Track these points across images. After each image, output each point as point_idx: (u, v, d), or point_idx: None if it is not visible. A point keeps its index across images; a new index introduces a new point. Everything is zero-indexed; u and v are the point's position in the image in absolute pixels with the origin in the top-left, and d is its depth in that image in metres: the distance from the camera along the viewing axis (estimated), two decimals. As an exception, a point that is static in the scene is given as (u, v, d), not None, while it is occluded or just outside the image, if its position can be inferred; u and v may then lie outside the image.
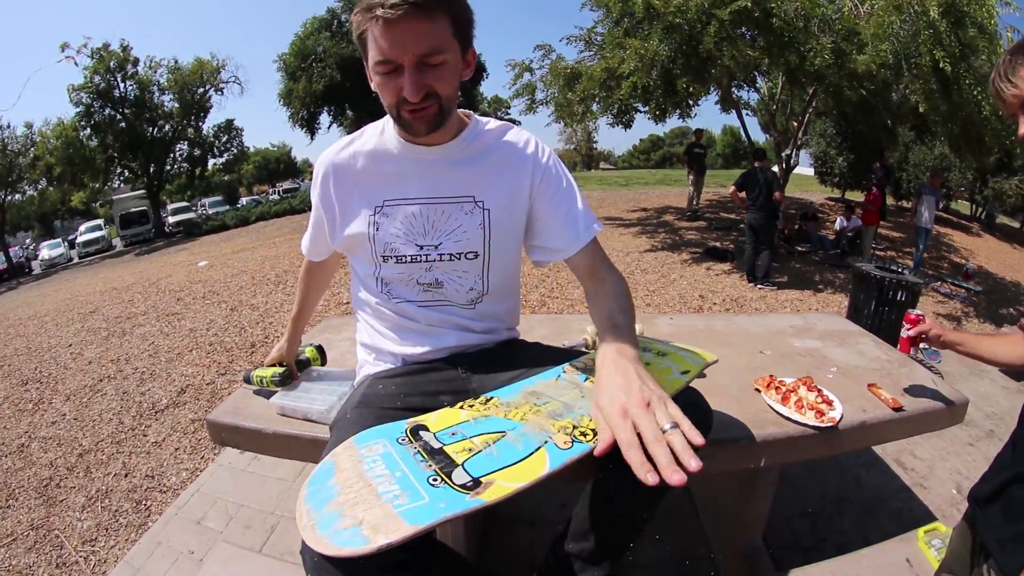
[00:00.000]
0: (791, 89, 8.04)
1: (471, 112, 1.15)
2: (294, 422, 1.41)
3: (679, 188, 15.02)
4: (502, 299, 1.25)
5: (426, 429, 0.88)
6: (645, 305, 5.53)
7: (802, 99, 8.48)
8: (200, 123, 23.45)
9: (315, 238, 1.28)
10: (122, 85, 20.89)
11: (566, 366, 1.07)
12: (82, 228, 24.89)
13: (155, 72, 21.75)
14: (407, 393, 1.09)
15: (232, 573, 1.52)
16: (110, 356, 4.93)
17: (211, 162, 25.51)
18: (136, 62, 21.21)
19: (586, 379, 1.00)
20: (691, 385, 1.04)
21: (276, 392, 1.50)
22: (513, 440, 0.82)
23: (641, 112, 8.99)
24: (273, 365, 1.57)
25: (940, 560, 1.35)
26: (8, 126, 21.29)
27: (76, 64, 20.22)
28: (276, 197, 28.35)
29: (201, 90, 22.60)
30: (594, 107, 8.27)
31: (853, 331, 2.08)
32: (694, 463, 0.68)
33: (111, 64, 20.34)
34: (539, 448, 0.80)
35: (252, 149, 32.15)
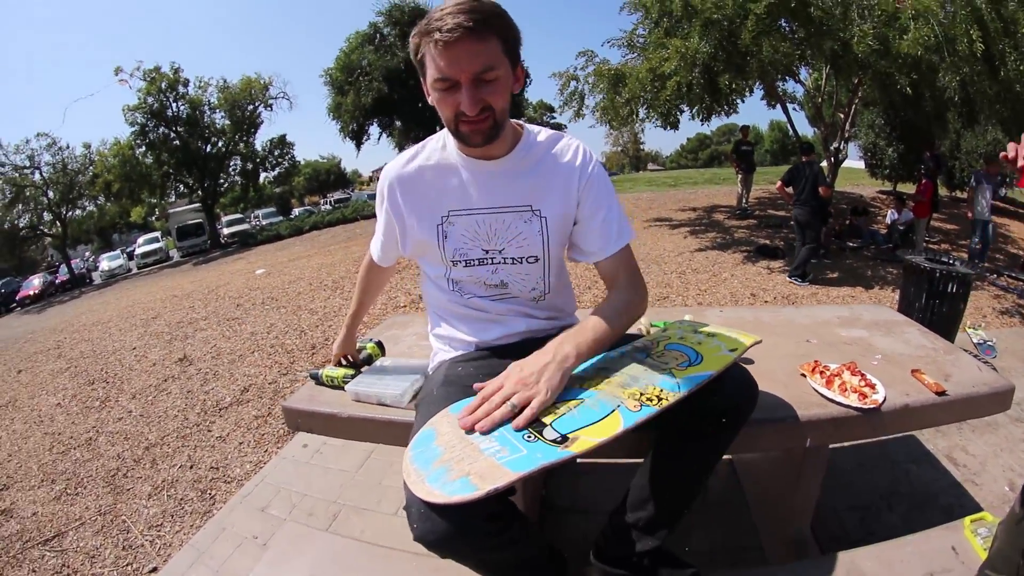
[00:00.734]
0: (836, 79, 7.86)
1: (523, 123, 1.26)
2: (368, 407, 1.52)
3: (728, 187, 14.78)
4: (561, 294, 1.39)
5: None
6: (696, 304, 5.51)
7: (848, 89, 8.27)
8: (251, 138, 24.61)
9: (385, 244, 1.39)
10: (174, 105, 22.22)
11: (626, 347, 1.20)
12: (140, 240, 26.36)
13: (205, 91, 23.04)
14: (485, 373, 1.17)
15: (298, 549, 1.65)
16: (173, 358, 5.20)
17: (263, 175, 26.60)
18: (187, 83, 22.51)
19: (647, 356, 1.13)
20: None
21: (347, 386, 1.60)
22: (591, 404, 0.95)
23: (686, 112, 8.93)
24: (342, 365, 1.70)
25: (986, 549, 1.32)
26: (68, 147, 22.79)
27: (130, 87, 21.65)
28: (328, 207, 29.17)
29: (251, 107, 23.73)
30: (640, 111, 8.27)
31: (900, 321, 2.06)
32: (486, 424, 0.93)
33: (163, 85, 21.65)
34: (613, 411, 0.93)
35: (303, 161, 33.23)
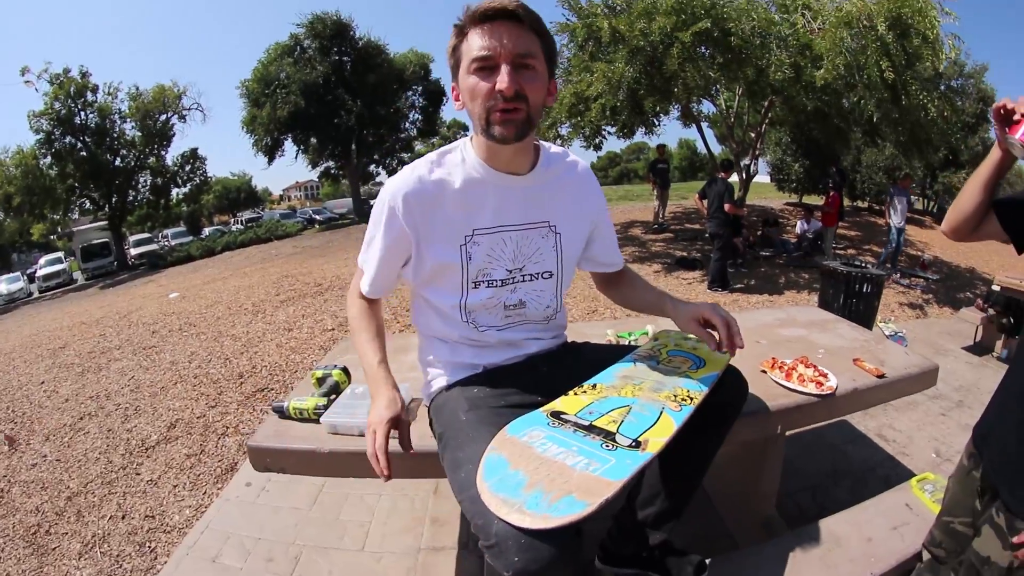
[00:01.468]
0: (749, 102, 8.44)
1: (536, 138, 1.24)
2: (350, 439, 1.40)
3: (642, 203, 15.37)
4: (563, 312, 1.39)
5: (564, 413, 1.02)
6: (625, 315, 5.67)
7: (757, 111, 8.91)
8: (163, 152, 22.87)
9: (384, 274, 1.21)
10: (83, 112, 20.31)
11: (632, 356, 1.26)
12: (42, 261, 23.66)
13: (115, 98, 21.16)
14: (505, 392, 1.17)
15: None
16: (88, 392, 4.73)
17: (174, 192, 24.88)
18: (96, 89, 20.65)
19: (658, 363, 1.21)
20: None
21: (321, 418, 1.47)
22: (639, 410, 1.01)
23: (610, 133, 9.32)
24: (313, 395, 1.55)
25: (935, 501, 1.57)
26: (-38, 154, 20.26)
27: (36, 90, 19.68)
28: (239, 227, 27.91)
29: (163, 117, 22.09)
30: (563, 131, 8.55)
31: (830, 319, 2.33)
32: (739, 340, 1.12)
33: (71, 90, 19.79)
34: (661, 412, 1.00)
35: (213, 178, 31.63)
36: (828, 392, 1.49)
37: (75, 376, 5.30)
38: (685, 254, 8.24)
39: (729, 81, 7.14)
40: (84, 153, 20.23)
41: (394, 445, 1.05)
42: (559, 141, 8.82)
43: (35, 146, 19.71)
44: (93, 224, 24.11)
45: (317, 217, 26.62)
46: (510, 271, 1.18)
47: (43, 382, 5.31)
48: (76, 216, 23.66)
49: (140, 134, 21.58)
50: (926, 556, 1.33)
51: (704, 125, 10.59)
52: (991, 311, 4.49)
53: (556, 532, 0.77)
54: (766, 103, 8.06)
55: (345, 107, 20.63)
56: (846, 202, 13.75)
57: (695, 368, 1.17)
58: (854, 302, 4.16)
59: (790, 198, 16.35)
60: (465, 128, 46.54)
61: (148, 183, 23.09)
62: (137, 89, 21.70)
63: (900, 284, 7.23)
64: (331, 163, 23.77)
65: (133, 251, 22.77)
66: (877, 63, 5.85)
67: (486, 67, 0.99)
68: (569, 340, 1.43)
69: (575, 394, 1.09)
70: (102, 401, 4.44)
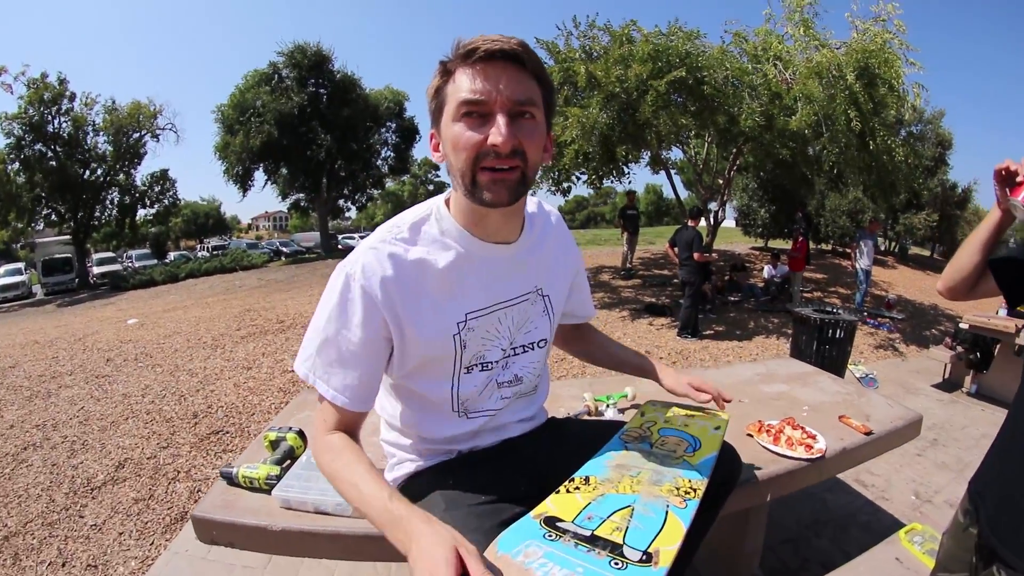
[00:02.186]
0: (720, 148, 8.68)
1: None
2: (305, 516, 1.27)
3: (609, 248, 15.55)
4: (547, 375, 1.27)
5: (559, 519, 0.89)
6: (599, 373, 5.58)
7: (725, 158, 9.16)
8: (133, 170, 22.21)
9: (368, 380, 0.95)
10: (56, 120, 19.60)
11: (622, 438, 1.16)
12: (0, 271, 22.83)
13: (90, 110, 20.50)
14: (485, 485, 1.02)
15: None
16: (34, 420, 4.45)
17: (142, 212, 24.10)
18: (72, 97, 20.02)
19: (652, 447, 1.11)
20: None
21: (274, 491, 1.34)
22: (643, 510, 0.89)
23: (581, 179, 9.44)
24: (265, 462, 1.41)
25: (925, 552, 1.56)
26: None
27: (11, 92, 18.90)
28: (205, 254, 27.29)
29: (136, 135, 21.50)
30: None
31: (810, 371, 2.31)
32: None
33: (46, 96, 19.14)
34: (666, 512, 0.89)
35: (183, 201, 30.98)
36: (818, 455, 1.45)
37: (23, 400, 4.99)
38: (654, 300, 8.23)
39: (701, 128, 7.32)
40: (54, 163, 19.47)
41: (336, 522, 0.96)
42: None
43: (4, 150, 18.88)
44: (57, 237, 23.00)
45: (284, 249, 26.18)
46: (504, 349, 1.05)
47: (-13, 403, 4.98)
48: (41, 227, 22.68)
49: (111, 149, 20.95)
50: None
51: (672, 171, 10.84)
52: (959, 348, 4.64)
53: None
54: (735, 150, 8.28)
55: (318, 140, 20.47)
56: (811, 245, 14.24)
57: (691, 451, 1.10)
58: (827, 348, 4.18)
59: (756, 243, 16.74)
60: (436, 167, 47.38)
61: (116, 200, 22.33)
62: (113, 103, 21.12)
63: (868, 325, 7.39)
64: (301, 195, 23.45)
65: (96, 269, 22.06)
66: (845, 112, 6.07)
67: (477, 113, 0.83)
68: (549, 414, 1.31)
69: (567, 491, 0.97)
70: (48, 431, 4.18)
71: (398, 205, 46.59)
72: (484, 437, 1.11)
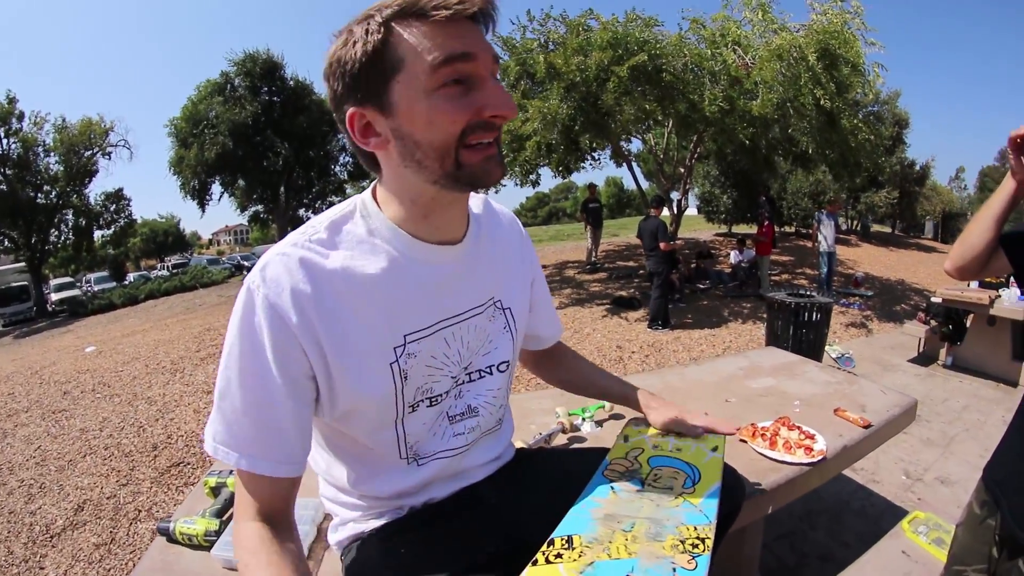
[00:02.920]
0: (683, 135, 8.69)
1: None
2: None
3: (573, 243, 15.53)
4: (509, 406, 1.08)
5: None
6: None
7: (685, 146, 9.18)
8: (85, 189, 21.29)
9: (298, 432, 0.73)
10: (6, 141, 18.66)
11: (606, 475, 0.96)
12: None
13: (40, 129, 19.58)
14: (445, 549, 0.84)
15: None
16: None
17: (98, 233, 23.25)
18: (22, 116, 19.12)
19: (643, 485, 0.93)
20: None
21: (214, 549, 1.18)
22: None
23: (546, 168, 9.38)
24: (203, 514, 1.25)
25: (931, 542, 1.52)
26: None
27: None
28: (165, 272, 26.49)
29: (88, 153, 20.59)
30: None
31: (795, 361, 2.22)
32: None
33: None
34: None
35: (140, 220, 30.00)
36: (819, 458, 1.33)
37: (-23, 443, 4.70)
38: (623, 293, 8.18)
39: (664, 113, 7.29)
40: (4, 187, 18.52)
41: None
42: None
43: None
44: (12, 265, 22.01)
45: (245, 264, 25.34)
46: (455, 376, 0.85)
47: (-59, 450, 4.68)
48: (-6, 255, 21.75)
49: (63, 169, 20.01)
50: None
51: (633, 163, 10.88)
52: (933, 322, 4.69)
53: None
54: (695, 137, 8.29)
55: (274, 149, 20.01)
56: (776, 228, 14.49)
57: (691, 485, 0.90)
58: (804, 332, 4.15)
59: (720, 229, 16.94)
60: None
61: (71, 223, 21.43)
62: (64, 121, 20.20)
63: (839, 305, 7.47)
64: (260, 207, 22.80)
65: (54, 296, 21.16)
66: (812, 92, 6.10)
67: (462, 79, 0.66)
68: (518, 432, 1.15)
69: (547, 559, 0.76)
70: (5, 476, 3.96)
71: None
72: (439, 487, 0.91)
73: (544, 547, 0.77)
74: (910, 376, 4.40)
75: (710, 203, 16.38)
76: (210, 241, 74.03)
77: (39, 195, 19.79)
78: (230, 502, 1.27)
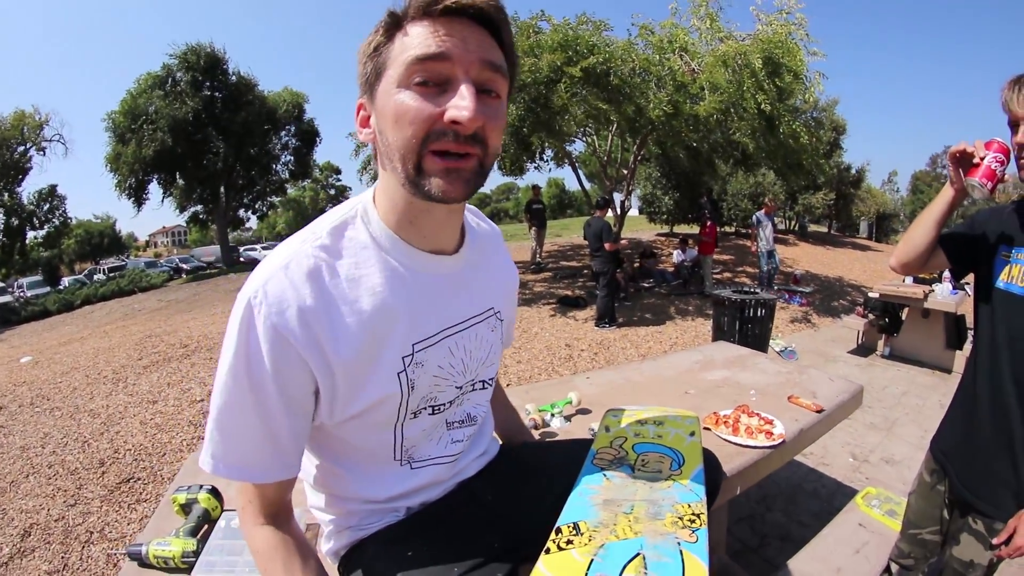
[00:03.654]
0: (629, 137, 8.88)
1: None
2: None
3: (516, 243, 15.56)
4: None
5: None
6: (515, 363, 5.48)
7: (627, 149, 9.40)
8: (18, 187, 20.05)
9: (289, 442, 0.73)
10: None
11: (596, 464, 1.00)
12: None
13: None
14: (452, 550, 0.84)
15: None
16: None
17: (31, 234, 21.86)
18: None
19: (633, 470, 0.97)
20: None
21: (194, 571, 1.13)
22: (655, 556, 0.77)
23: (497, 169, 9.44)
24: (177, 534, 1.19)
25: (885, 514, 1.71)
26: None
27: None
28: (102, 276, 25.17)
29: (21, 148, 19.45)
30: None
31: (746, 354, 2.36)
32: None
33: None
34: (681, 550, 0.77)
35: (74, 220, 28.37)
36: (779, 441, 1.44)
37: (-93, 474, 4.34)
38: (569, 292, 8.29)
39: (615, 114, 7.44)
40: None
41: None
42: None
43: None
44: None
45: (184, 266, 24.33)
46: (460, 387, 0.86)
47: None
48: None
49: None
50: (895, 568, 1.44)
51: (576, 164, 11.06)
52: (870, 316, 4.98)
53: None
54: (639, 140, 8.49)
55: (214, 147, 19.25)
56: (717, 228, 15.01)
57: (677, 467, 0.96)
58: (750, 327, 4.33)
59: (662, 229, 17.36)
60: (338, 171, 45.84)
61: (2, 223, 20.13)
62: None
63: (780, 301, 7.82)
64: (199, 207, 21.79)
65: (-17, 302, 19.79)
66: (754, 96, 6.38)
67: (433, 81, 0.64)
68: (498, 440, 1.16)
69: (559, 546, 0.79)
70: None
71: (300, 212, 45.22)
72: (435, 488, 0.92)
73: (553, 535, 0.80)
74: (851, 366, 4.68)
75: (652, 204, 16.71)
76: (147, 243, 70.78)
77: (-34, 194, 18.46)
78: (204, 519, 1.24)
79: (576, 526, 0.82)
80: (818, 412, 1.64)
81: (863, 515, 1.73)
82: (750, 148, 7.42)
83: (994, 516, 1.13)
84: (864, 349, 5.17)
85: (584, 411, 1.72)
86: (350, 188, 45.15)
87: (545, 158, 10.40)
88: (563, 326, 6.77)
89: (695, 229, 12.39)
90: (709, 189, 12.16)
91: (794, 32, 6.76)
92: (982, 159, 1.09)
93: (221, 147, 19.30)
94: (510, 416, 1.22)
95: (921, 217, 1.26)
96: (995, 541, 1.11)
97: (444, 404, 0.84)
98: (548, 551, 0.77)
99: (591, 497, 0.89)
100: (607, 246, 6.47)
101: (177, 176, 19.72)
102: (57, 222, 22.29)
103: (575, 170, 10.51)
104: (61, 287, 23.54)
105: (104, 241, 47.63)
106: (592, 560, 0.75)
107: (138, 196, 19.41)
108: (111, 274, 24.79)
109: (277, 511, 0.77)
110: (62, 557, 2.87)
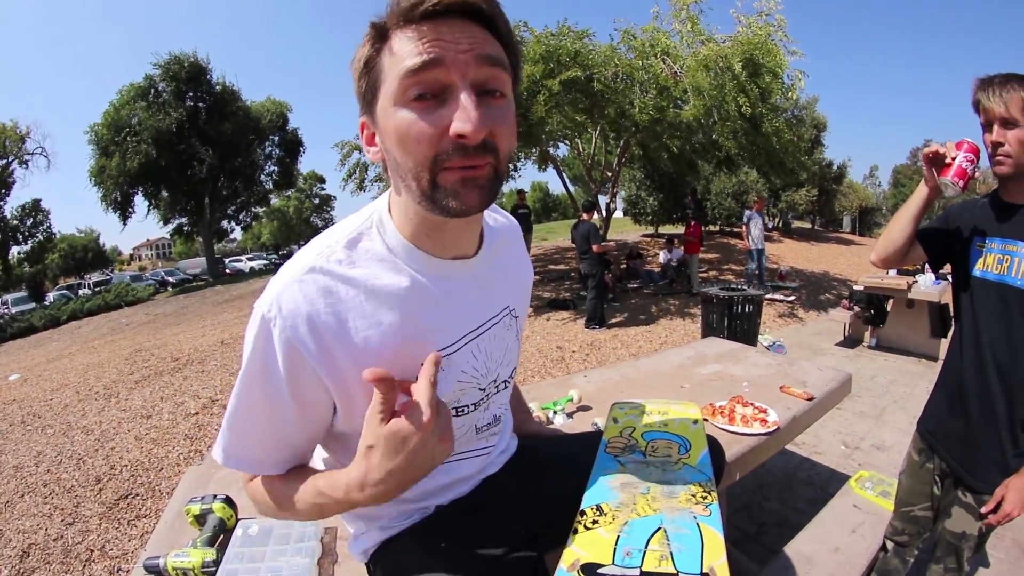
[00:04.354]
0: (614, 140, 8.97)
1: None
2: None
3: None
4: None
5: (598, 564, 0.79)
6: (532, 376, 5.53)
7: (611, 152, 9.48)
8: (1, 202, 19.90)
9: (304, 447, 0.77)
10: None
11: (610, 453, 1.07)
12: None
13: None
14: (482, 539, 0.87)
15: None
16: None
17: (15, 250, 21.62)
18: None
19: (644, 456, 1.04)
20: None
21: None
22: (675, 529, 0.83)
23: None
24: (195, 544, 1.19)
25: (879, 495, 1.79)
26: None
27: None
28: (87, 291, 24.85)
29: (3, 162, 19.30)
30: None
31: (736, 348, 2.43)
32: None
33: None
34: (697, 523, 0.83)
35: (58, 235, 27.97)
36: (774, 428, 1.50)
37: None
38: (555, 295, 8.38)
39: (594, 125, 7.52)
40: None
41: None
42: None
43: None
44: None
45: (170, 279, 24.22)
46: (484, 388, 0.86)
47: None
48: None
49: None
50: (890, 545, 1.51)
51: (560, 167, 11.14)
52: (856, 308, 5.09)
53: None
54: (622, 143, 8.57)
55: (198, 157, 19.14)
56: (702, 228, 15.17)
57: (685, 452, 1.04)
58: (739, 323, 4.42)
59: (647, 230, 17.52)
60: (322, 180, 45.28)
61: None
62: None
63: (768, 296, 7.94)
64: (184, 219, 21.69)
65: (-34, 320, 19.44)
66: (735, 99, 6.49)
67: (430, 93, 0.59)
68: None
69: (586, 527, 0.84)
70: None
71: (284, 222, 44.88)
72: (464, 484, 0.94)
73: (578, 517, 0.86)
74: (839, 358, 4.78)
75: (636, 205, 16.88)
76: (131, 256, 69.99)
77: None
78: (220, 528, 1.25)
79: (599, 508, 0.88)
80: (809, 400, 1.70)
81: (857, 497, 1.81)
82: (732, 150, 7.54)
83: (983, 492, 1.20)
84: (851, 341, 5.28)
85: (585, 408, 1.76)
86: (335, 197, 45.30)
87: (518, 167, 10.52)
88: (553, 329, 6.83)
89: (680, 229, 12.53)
90: (694, 189, 12.33)
91: (773, 33, 6.88)
92: (954, 159, 1.17)
93: (206, 157, 19.21)
94: (524, 413, 1.27)
95: (898, 215, 1.33)
96: (983, 510, 1.18)
97: (468, 406, 0.84)
98: (576, 531, 0.83)
99: (609, 482, 0.95)
100: (595, 248, 6.55)
101: (162, 188, 19.62)
102: (41, 237, 22.06)
103: (559, 173, 10.62)
104: (47, 303, 23.22)
105: (88, 255, 46.88)
106: (619, 536, 0.81)
107: (124, 210, 19.33)
108: (96, 288, 24.56)
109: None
110: (63, 576, 2.83)
